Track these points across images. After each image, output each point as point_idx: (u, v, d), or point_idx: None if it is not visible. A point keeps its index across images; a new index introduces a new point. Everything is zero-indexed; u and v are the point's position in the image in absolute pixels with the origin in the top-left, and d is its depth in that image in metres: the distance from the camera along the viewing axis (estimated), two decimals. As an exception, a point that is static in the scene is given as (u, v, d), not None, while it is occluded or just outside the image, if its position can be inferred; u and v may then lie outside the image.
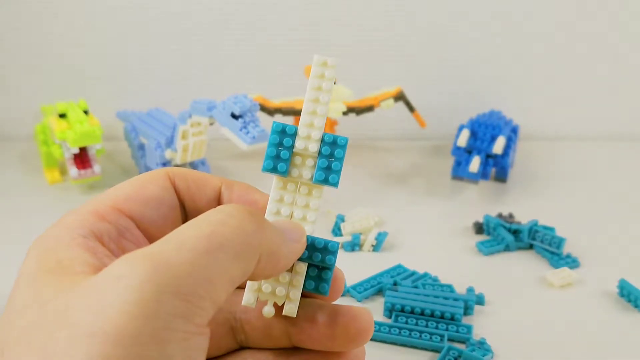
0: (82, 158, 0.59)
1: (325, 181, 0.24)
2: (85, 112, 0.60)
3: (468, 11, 0.71)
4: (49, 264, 0.20)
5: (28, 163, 0.68)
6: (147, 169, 0.62)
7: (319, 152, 0.24)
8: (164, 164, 0.60)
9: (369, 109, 0.64)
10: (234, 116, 0.54)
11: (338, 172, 0.24)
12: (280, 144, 0.24)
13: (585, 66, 0.74)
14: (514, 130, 0.64)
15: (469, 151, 0.61)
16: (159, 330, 0.17)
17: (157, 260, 0.17)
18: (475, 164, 0.58)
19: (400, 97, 0.65)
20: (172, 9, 0.70)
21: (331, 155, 0.24)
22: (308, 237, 0.24)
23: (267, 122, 0.61)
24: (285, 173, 0.24)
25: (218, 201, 0.26)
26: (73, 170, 0.58)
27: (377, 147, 0.73)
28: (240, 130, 0.53)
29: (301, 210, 0.25)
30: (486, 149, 0.60)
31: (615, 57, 0.74)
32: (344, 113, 0.63)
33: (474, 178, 0.59)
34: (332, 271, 0.24)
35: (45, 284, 0.19)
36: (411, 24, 0.72)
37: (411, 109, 0.67)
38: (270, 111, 0.65)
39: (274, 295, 0.24)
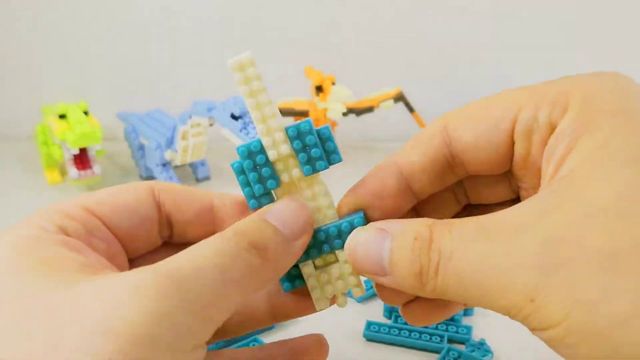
0: (82, 159, 0.59)
1: (315, 170, 0.24)
2: (85, 113, 0.60)
3: (468, 12, 0.71)
4: (32, 260, 0.20)
5: (28, 163, 0.68)
6: (148, 169, 0.63)
7: (293, 149, 0.24)
8: (164, 165, 0.60)
9: (369, 109, 0.64)
10: (233, 117, 0.54)
11: (321, 156, 0.24)
12: (255, 165, 0.24)
13: (585, 67, 0.74)
14: (514, 131, 0.64)
15: (468, 152, 0.61)
16: (172, 340, 0.17)
17: (176, 280, 0.18)
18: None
19: (400, 98, 0.65)
20: (173, 9, 0.71)
21: (305, 145, 0.24)
22: (334, 228, 0.24)
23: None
24: (278, 184, 0.24)
25: (210, 215, 0.26)
26: (73, 171, 0.58)
27: (376, 148, 0.73)
28: (240, 131, 0.54)
29: (313, 202, 0.24)
30: (486, 150, 0.60)
31: (616, 57, 0.74)
32: (344, 114, 0.63)
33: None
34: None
35: (33, 279, 0.19)
36: (411, 24, 0.72)
37: (411, 109, 0.67)
38: (270, 112, 0.65)
39: (337, 291, 0.25)
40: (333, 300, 0.25)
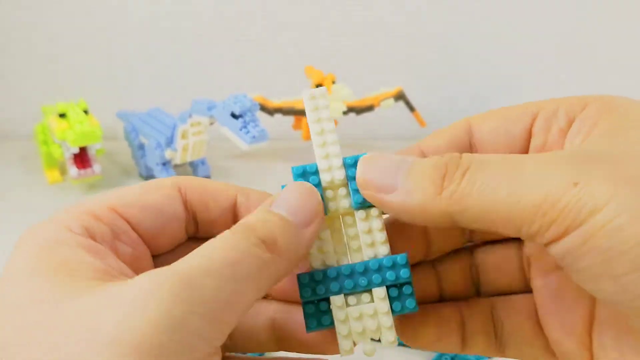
0: (82, 158, 0.59)
1: (366, 201, 0.23)
2: (85, 112, 0.60)
3: (468, 12, 0.71)
4: (52, 264, 0.19)
5: (28, 163, 0.68)
6: (148, 168, 0.62)
7: (347, 177, 0.23)
8: (164, 164, 0.60)
9: (369, 108, 0.64)
10: (234, 116, 0.54)
11: None
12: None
13: (585, 66, 0.74)
14: (514, 130, 0.64)
15: (469, 151, 0.61)
16: (183, 348, 0.17)
17: (187, 280, 0.18)
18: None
19: (400, 96, 0.65)
20: (172, 8, 0.70)
21: None
22: (374, 261, 0.23)
23: (267, 122, 0.61)
24: (326, 212, 0.23)
25: (234, 211, 0.25)
26: (73, 170, 0.58)
27: (377, 147, 0.73)
28: (240, 129, 0.54)
29: (362, 238, 0.23)
30: (486, 149, 0.60)
31: (615, 57, 0.74)
32: (344, 113, 0.63)
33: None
34: (412, 284, 0.23)
35: (52, 283, 0.18)
36: (411, 24, 0.72)
37: (411, 108, 0.67)
38: (270, 111, 0.65)
39: (367, 331, 0.22)
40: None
